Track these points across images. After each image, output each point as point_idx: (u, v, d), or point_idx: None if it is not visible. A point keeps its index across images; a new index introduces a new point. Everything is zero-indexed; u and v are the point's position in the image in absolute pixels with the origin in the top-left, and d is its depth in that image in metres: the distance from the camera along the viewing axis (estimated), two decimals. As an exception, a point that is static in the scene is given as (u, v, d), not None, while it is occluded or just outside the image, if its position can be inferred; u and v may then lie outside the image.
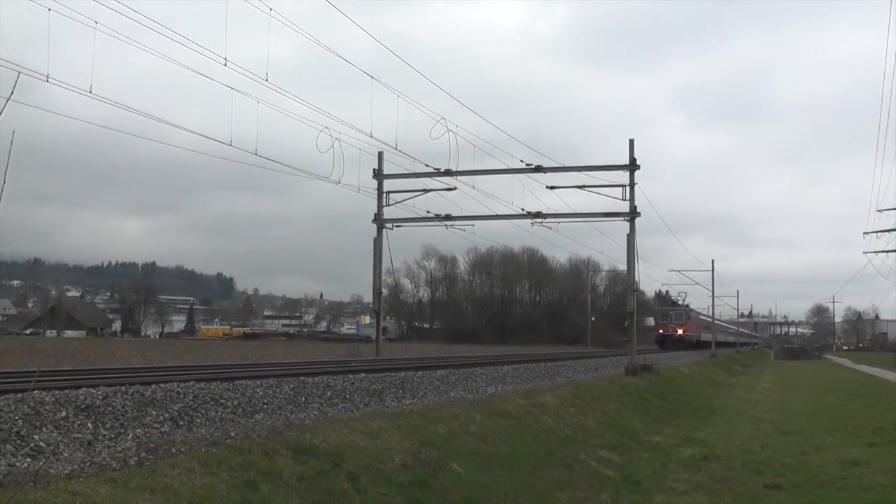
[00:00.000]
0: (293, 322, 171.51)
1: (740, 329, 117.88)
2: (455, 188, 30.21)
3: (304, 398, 12.01)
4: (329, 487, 7.70)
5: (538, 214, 31.04)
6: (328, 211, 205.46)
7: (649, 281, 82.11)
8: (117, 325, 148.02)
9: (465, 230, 32.64)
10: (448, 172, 28.97)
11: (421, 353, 38.47)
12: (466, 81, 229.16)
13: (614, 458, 14.03)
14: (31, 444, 7.23)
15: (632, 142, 29.31)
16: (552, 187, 30.76)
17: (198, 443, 7.97)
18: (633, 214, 28.89)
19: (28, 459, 6.88)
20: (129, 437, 8.16)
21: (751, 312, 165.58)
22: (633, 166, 28.86)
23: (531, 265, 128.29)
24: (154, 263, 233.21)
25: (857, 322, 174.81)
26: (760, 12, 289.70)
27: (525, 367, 24.06)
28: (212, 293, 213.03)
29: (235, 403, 10.57)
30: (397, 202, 31.32)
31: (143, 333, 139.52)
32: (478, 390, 16.78)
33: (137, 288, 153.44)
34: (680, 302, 75.55)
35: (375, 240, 31.54)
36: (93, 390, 9.56)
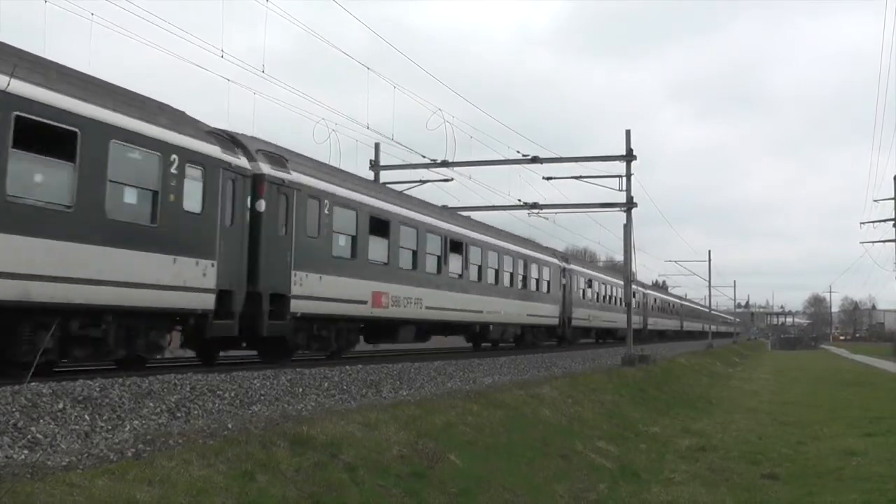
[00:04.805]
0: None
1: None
2: (452, 179, 30.11)
3: (301, 389, 12.00)
4: (326, 479, 7.70)
5: (535, 205, 31.01)
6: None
7: (646, 271, 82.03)
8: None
9: (460, 221, 32.02)
10: (445, 163, 28.88)
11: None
12: (462, 73, 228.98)
13: (612, 449, 14.04)
14: (29, 436, 7.21)
15: (628, 132, 29.22)
16: (549, 178, 30.74)
17: (195, 434, 7.97)
18: (629, 205, 28.85)
19: (25, 451, 6.87)
20: (127, 428, 8.15)
21: (748, 303, 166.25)
22: (629, 157, 28.79)
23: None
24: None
25: (854, 312, 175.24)
26: (757, 4, 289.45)
27: (522, 357, 24.09)
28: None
29: (233, 395, 10.56)
30: (393, 193, 30.80)
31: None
32: (475, 381, 16.78)
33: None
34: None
35: (372, 231, 30.85)
36: (90, 382, 9.55)
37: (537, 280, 31.16)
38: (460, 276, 23.90)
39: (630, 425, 17.20)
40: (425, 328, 22.51)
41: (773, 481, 12.84)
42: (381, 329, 20.29)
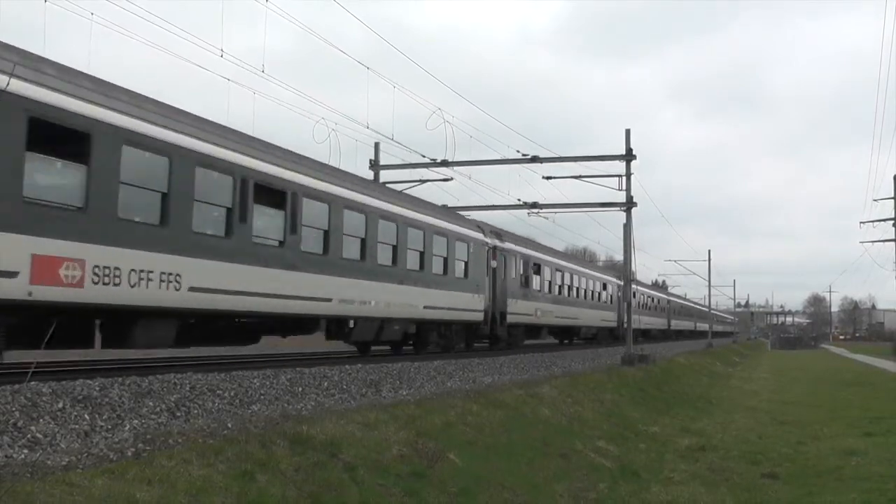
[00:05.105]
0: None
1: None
2: (451, 178, 30.14)
3: (300, 389, 12.00)
4: (326, 478, 7.70)
5: (535, 205, 31.05)
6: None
7: (646, 271, 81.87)
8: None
9: (459, 220, 31.58)
10: (444, 163, 28.88)
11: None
12: (462, 73, 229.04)
13: (611, 449, 14.05)
14: (28, 436, 7.21)
15: (628, 132, 29.23)
16: (549, 178, 30.78)
17: (195, 434, 7.97)
18: (629, 205, 28.89)
19: (25, 451, 6.87)
20: (127, 428, 8.15)
21: (747, 302, 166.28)
22: (629, 156, 28.82)
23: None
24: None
25: (854, 312, 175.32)
26: (757, 4, 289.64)
27: (522, 356, 24.08)
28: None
29: (232, 394, 10.56)
30: (392, 192, 30.43)
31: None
32: (475, 381, 16.78)
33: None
34: None
35: (371, 230, 30.37)
36: (90, 381, 9.56)
37: (446, 259, 22.27)
38: (282, 243, 15.44)
39: (630, 425, 17.21)
40: (204, 324, 14.39)
41: (773, 481, 12.84)
42: (79, 323, 11.78)
